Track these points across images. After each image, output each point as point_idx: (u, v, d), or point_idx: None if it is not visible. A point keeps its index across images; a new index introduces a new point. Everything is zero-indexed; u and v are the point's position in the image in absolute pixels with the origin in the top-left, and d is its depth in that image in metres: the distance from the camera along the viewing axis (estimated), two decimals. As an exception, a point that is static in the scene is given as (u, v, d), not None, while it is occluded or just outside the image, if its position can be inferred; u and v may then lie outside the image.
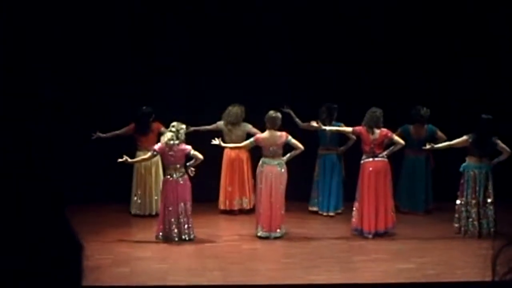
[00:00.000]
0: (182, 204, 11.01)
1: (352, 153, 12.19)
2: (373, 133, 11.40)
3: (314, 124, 11.88)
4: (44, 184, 1.62)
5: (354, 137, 12.16)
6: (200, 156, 11.00)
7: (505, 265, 1.45)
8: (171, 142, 10.97)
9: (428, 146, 11.65)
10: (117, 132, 12.80)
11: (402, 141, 11.55)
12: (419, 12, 13.77)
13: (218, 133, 12.73)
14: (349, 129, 11.69)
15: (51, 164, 12.39)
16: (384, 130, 11.50)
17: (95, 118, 13.43)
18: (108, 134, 12.77)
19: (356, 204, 11.53)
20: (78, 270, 1.63)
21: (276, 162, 11.30)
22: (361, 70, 13.75)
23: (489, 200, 11.36)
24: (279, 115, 11.38)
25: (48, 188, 1.62)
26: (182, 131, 11.04)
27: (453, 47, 13.85)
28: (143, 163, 12.46)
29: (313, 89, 13.54)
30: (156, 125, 12.66)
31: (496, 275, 1.46)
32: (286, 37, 13.68)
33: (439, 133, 12.84)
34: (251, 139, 11.61)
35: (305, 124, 12.47)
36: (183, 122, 11.23)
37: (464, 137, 11.39)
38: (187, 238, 11.05)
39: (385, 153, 11.45)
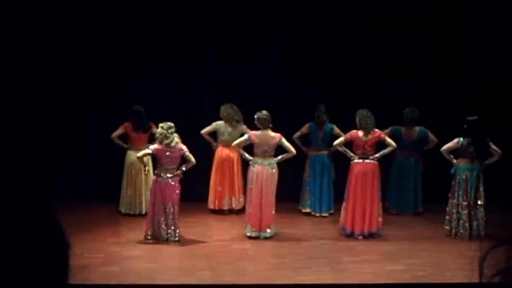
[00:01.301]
0: (169, 205, 10.98)
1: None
2: (367, 135, 11.41)
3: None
4: (32, 181, 1.61)
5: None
6: (193, 160, 10.98)
7: (493, 268, 1.45)
8: (172, 144, 10.93)
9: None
10: (119, 133, 12.72)
11: (394, 144, 11.55)
12: (411, 14, 13.77)
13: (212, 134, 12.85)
14: (342, 138, 11.68)
15: (41, 163, 12.35)
16: (377, 131, 11.52)
17: (87, 117, 13.42)
18: (116, 138, 12.71)
19: (344, 204, 11.56)
20: (65, 268, 1.62)
21: (267, 162, 11.31)
22: (353, 72, 13.75)
23: (479, 202, 11.39)
24: (268, 114, 11.35)
25: (36, 186, 1.61)
26: (170, 130, 10.98)
27: (445, 49, 13.87)
28: (134, 163, 12.40)
29: (305, 90, 13.54)
30: (150, 125, 12.57)
31: (484, 278, 1.47)
32: (279, 38, 13.67)
33: (431, 135, 12.87)
34: (245, 136, 11.59)
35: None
36: (177, 125, 11.18)
37: (455, 140, 11.42)
38: (172, 240, 11.02)
39: (376, 155, 11.45)
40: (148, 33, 13.62)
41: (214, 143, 12.97)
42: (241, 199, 12.77)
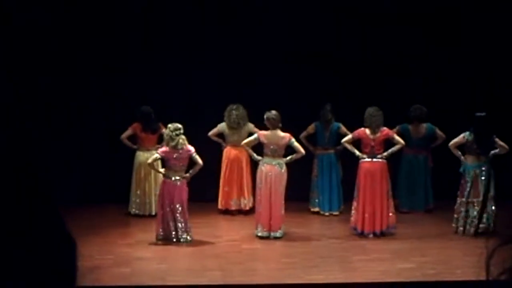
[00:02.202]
0: (178, 206, 10.98)
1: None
2: (375, 134, 11.40)
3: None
4: (33, 180, 1.60)
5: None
6: (200, 161, 10.98)
7: (500, 266, 1.46)
8: (178, 146, 10.94)
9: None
10: (128, 133, 12.73)
11: (402, 141, 11.54)
12: (413, 11, 13.76)
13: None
14: (350, 136, 11.68)
15: (39, 162, 12.38)
16: (385, 129, 11.50)
17: (95, 119, 13.45)
18: (125, 139, 12.73)
19: (354, 204, 11.55)
20: (72, 268, 1.61)
21: (276, 162, 11.30)
22: (359, 70, 13.76)
23: (490, 200, 11.35)
24: (277, 114, 11.35)
25: (37, 185, 1.60)
26: (176, 132, 10.97)
27: (450, 45, 13.86)
28: (143, 163, 12.41)
29: (310, 88, 13.55)
30: (159, 125, 12.57)
31: (490, 276, 1.47)
32: (284, 36, 13.67)
33: (438, 132, 12.88)
34: (255, 135, 11.58)
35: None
36: (182, 124, 11.17)
37: (461, 135, 11.41)
38: (184, 241, 11.03)
39: (384, 154, 11.43)
40: (153, 34, 13.63)
41: (223, 143, 12.97)
42: (250, 200, 12.76)
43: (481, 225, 11.29)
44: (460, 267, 9.72)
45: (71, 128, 13.32)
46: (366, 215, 11.37)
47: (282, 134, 11.33)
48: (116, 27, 13.46)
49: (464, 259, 10.04)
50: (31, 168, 1.62)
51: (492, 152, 11.34)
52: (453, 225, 11.54)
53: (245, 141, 11.73)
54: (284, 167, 11.32)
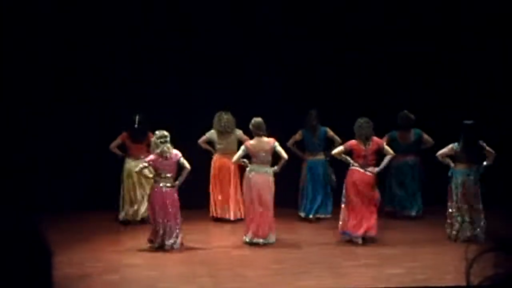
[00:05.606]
0: (170, 212, 10.96)
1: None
2: (367, 144, 11.37)
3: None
4: (8, 190, 1.59)
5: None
6: (188, 166, 10.97)
7: (480, 275, 1.46)
8: (164, 154, 10.92)
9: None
10: (117, 143, 12.75)
11: (392, 152, 11.47)
12: (402, 17, 13.81)
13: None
14: (341, 147, 11.61)
15: (36, 172, 12.40)
16: (376, 139, 11.46)
17: (84, 126, 13.43)
18: (114, 148, 12.74)
19: (343, 209, 11.47)
20: (47, 278, 1.59)
21: (264, 170, 11.29)
22: (347, 76, 13.80)
23: (478, 206, 11.37)
24: (261, 121, 11.36)
25: (13, 194, 1.59)
26: (161, 140, 10.93)
27: (436, 52, 13.92)
28: (132, 171, 12.39)
29: (299, 95, 13.57)
30: (147, 134, 12.54)
31: (471, 284, 1.47)
32: (274, 44, 13.70)
33: (425, 136, 12.96)
34: (243, 147, 11.49)
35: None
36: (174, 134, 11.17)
37: (450, 146, 11.41)
38: (175, 247, 11.00)
39: (377, 169, 11.35)
40: (143, 41, 13.64)
41: (213, 151, 12.95)
42: (241, 207, 12.72)
43: (472, 235, 11.27)
44: (450, 272, 9.70)
45: (61, 136, 13.29)
46: (354, 221, 11.33)
47: (266, 139, 11.33)
48: (106, 34, 13.45)
49: (454, 264, 9.99)
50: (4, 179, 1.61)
51: (484, 164, 11.32)
52: (447, 230, 11.52)
53: (235, 158, 11.53)
54: (271, 175, 11.31)
